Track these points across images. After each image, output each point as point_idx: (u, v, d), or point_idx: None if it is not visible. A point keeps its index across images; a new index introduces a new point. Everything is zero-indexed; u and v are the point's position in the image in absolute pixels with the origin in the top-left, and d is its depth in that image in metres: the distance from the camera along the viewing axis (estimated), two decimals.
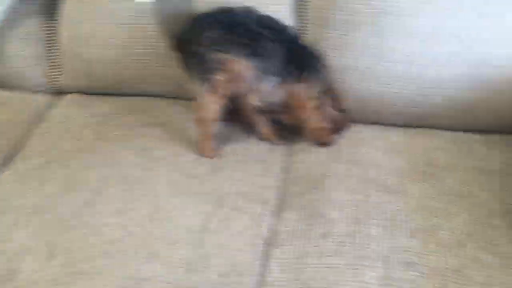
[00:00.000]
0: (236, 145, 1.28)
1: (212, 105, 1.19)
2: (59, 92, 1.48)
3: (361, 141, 1.28)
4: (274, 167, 1.23)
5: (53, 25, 1.44)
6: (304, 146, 1.29)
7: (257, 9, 1.22)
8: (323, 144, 1.27)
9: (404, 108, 1.28)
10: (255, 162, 1.23)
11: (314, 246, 1.02)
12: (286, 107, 1.26)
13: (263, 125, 1.29)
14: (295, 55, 1.21)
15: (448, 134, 1.29)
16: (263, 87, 1.20)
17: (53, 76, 1.47)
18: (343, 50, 1.26)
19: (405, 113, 1.29)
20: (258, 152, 1.26)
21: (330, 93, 1.27)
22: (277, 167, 1.23)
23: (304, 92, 1.23)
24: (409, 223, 1.04)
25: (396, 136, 1.29)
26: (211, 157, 1.22)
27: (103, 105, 1.42)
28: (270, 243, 1.04)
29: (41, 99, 1.45)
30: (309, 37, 1.31)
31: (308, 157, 1.26)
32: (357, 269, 0.96)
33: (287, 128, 1.30)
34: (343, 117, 1.29)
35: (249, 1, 1.23)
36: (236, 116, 1.30)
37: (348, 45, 1.26)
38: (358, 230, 1.04)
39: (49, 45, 1.46)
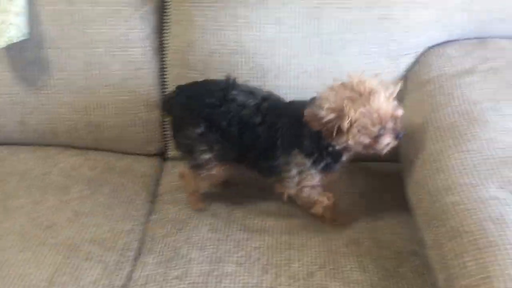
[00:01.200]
0: (105, 187, 1.25)
1: (197, 183, 1.19)
2: None
3: None
4: (139, 210, 1.21)
5: None
6: (172, 185, 1.29)
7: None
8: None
9: None
10: (119, 205, 1.21)
11: None
12: None
13: None
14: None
15: None
16: None
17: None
18: None
19: None
20: (125, 194, 1.24)
21: None
22: (142, 210, 1.22)
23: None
24: (264, 259, 1.06)
25: None
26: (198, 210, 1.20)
27: None
28: None
29: None
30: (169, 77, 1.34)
31: (176, 197, 1.25)
32: None
33: None
34: None
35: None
36: None
37: None
38: (215, 268, 1.04)
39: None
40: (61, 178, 1.27)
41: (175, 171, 1.34)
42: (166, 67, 1.35)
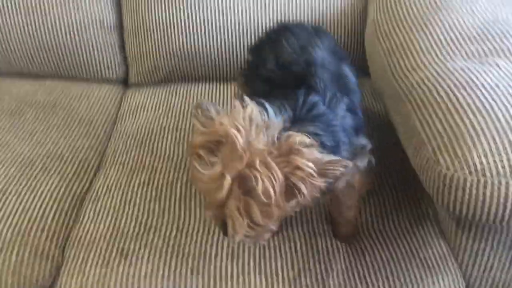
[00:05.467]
0: (61, 110, 1.20)
1: None
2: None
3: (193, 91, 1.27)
4: (98, 129, 1.16)
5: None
6: (133, 106, 1.24)
7: None
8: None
9: None
10: (77, 125, 1.15)
11: (134, 194, 0.96)
12: None
13: None
14: None
15: None
16: None
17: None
18: None
19: None
20: (82, 116, 1.19)
21: None
22: (102, 129, 1.16)
23: None
24: None
25: None
26: None
27: None
28: (84, 199, 0.97)
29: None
30: None
31: (138, 117, 1.20)
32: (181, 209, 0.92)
33: None
34: None
35: None
36: None
37: None
38: (178, 177, 0.99)
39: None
40: (13, 103, 1.20)
41: (138, 96, 1.29)
42: None
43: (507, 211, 0.71)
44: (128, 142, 1.10)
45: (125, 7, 1.28)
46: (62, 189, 0.96)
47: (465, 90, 0.80)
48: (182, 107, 1.21)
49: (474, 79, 0.82)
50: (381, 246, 0.87)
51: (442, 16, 1.00)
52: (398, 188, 0.97)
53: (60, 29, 1.26)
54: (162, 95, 1.27)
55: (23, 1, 1.23)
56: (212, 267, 0.83)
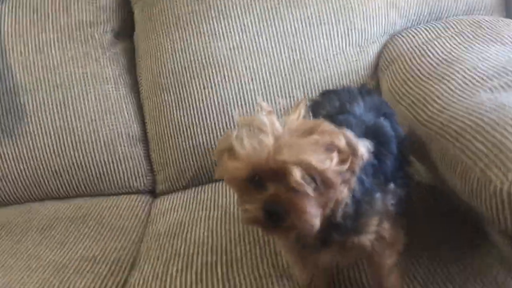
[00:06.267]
0: (91, 220, 1.18)
1: None
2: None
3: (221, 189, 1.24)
4: (129, 233, 1.12)
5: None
6: (164, 209, 1.22)
7: None
8: None
9: None
10: (108, 231, 1.13)
11: (173, 280, 0.90)
12: None
13: None
14: None
15: None
16: None
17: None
18: None
19: None
20: (112, 223, 1.16)
21: None
22: (133, 233, 1.13)
23: None
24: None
25: None
26: None
27: None
28: None
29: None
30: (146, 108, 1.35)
31: (168, 217, 1.17)
32: None
33: None
34: None
35: None
36: None
37: None
38: (217, 259, 0.94)
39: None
40: (43, 221, 1.19)
41: (167, 201, 1.27)
42: (142, 100, 1.35)
43: None
44: (161, 239, 1.07)
45: (148, 116, 1.33)
46: (97, 286, 0.90)
47: (499, 112, 0.79)
48: (213, 200, 1.19)
49: (505, 103, 0.81)
50: None
51: (456, 67, 1.02)
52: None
53: (88, 145, 1.29)
54: (191, 195, 1.26)
55: (52, 122, 1.29)
56: None
